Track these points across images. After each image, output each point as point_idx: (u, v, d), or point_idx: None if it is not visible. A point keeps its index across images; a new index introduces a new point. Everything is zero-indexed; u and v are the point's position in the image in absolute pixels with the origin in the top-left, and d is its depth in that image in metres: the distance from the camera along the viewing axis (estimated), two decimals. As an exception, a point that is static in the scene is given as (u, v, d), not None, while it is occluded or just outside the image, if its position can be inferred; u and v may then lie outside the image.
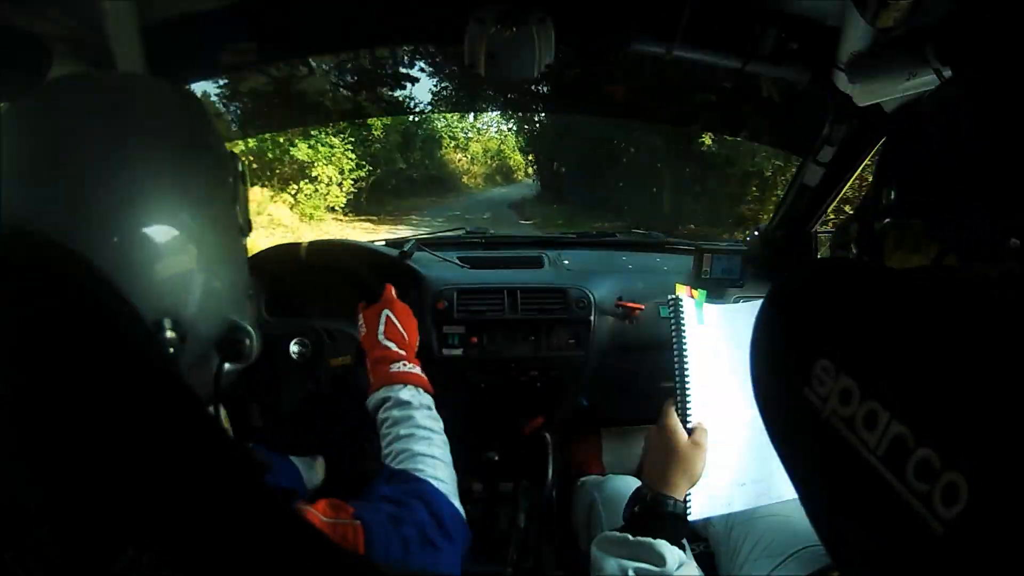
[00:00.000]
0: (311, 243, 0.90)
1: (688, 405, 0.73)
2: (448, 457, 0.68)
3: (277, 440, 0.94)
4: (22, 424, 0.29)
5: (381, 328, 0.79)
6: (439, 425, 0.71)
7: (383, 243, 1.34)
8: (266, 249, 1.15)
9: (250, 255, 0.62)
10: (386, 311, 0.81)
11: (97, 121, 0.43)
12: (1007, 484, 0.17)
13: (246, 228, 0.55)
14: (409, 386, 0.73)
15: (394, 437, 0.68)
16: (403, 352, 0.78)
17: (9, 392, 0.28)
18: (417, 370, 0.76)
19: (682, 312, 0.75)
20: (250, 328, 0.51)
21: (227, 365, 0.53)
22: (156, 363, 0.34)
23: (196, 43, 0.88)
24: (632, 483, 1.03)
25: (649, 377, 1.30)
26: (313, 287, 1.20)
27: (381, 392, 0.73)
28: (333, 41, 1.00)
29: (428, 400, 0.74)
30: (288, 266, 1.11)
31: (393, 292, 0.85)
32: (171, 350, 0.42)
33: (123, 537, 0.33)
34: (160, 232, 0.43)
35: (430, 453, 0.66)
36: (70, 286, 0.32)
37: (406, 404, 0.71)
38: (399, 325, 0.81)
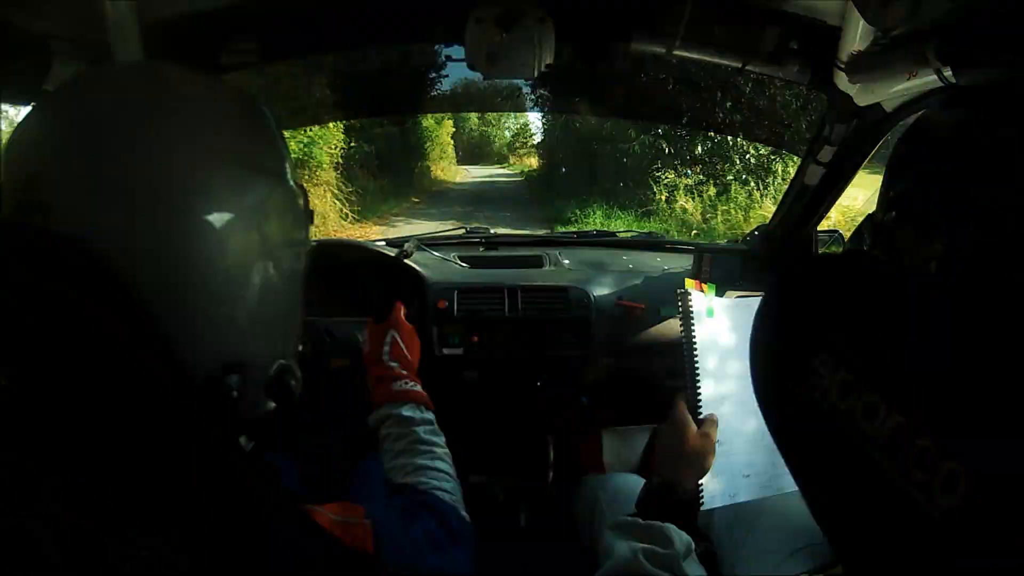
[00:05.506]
0: (319, 242, 0.90)
1: (699, 398, 0.74)
2: (451, 469, 0.70)
3: (274, 439, 0.94)
4: (34, 420, 0.29)
5: (386, 348, 0.82)
6: (441, 439, 0.74)
7: (383, 242, 1.34)
8: None
9: None
10: (392, 332, 0.84)
11: (153, 124, 0.38)
12: (1003, 472, 0.17)
13: (306, 260, 0.50)
14: (411, 403, 0.76)
15: (397, 452, 0.70)
16: (405, 372, 0.81)
17: (24, 391, 0.28)
18: (418, 388, 0.79)
19: (691, 306, 0.75)
20: (297, 370, 0.50)
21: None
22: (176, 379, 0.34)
23: (196, 43, 0.88)
24: (634, 481, 1.03)
25: (649, 376, 1.30)
26: (314, 286, 1.20)
27: (383, 409, 0.75)
28: (333, 41, 1.00)
29: (430, 416, 0.76)
30: None
31: (402, 312, 0.88)
32: (234, 394, 0.40)
33: (130, 535, 0.34)
34: (233, 265, 0.39)
35: (433, 466, 0.68)
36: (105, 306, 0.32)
37: (408, 420, 0.73)
38: (403, 346, 0.84)
